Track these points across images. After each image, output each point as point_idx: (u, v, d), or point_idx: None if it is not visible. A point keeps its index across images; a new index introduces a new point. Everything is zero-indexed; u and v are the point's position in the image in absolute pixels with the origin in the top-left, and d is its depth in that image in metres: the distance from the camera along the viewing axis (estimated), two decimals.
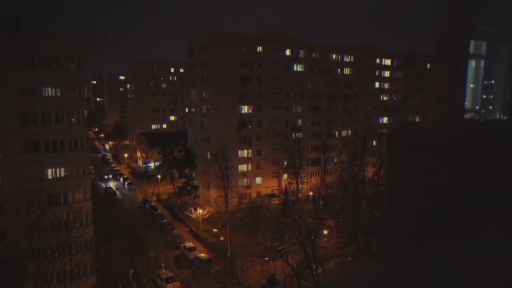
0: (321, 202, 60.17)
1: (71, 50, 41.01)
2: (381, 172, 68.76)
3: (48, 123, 39.43)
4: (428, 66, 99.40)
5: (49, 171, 40.05)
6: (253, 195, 71.62)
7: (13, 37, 37.45)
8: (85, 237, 41.28)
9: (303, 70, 77.13)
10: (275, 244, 47.52)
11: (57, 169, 40.41)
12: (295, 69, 76.27)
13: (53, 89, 39.97)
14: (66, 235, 35.44)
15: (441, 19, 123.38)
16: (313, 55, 78.57)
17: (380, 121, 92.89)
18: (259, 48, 70.79)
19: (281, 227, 42.34)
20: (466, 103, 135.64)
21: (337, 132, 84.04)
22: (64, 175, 40.76)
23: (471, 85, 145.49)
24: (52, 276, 33.50)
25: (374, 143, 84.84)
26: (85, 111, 43.51)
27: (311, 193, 69.76)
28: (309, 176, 76.40)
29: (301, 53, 76.79)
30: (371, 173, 74.97)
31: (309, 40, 78.53)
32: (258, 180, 72.96)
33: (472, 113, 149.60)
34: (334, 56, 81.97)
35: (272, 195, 71.15)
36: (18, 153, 38.28)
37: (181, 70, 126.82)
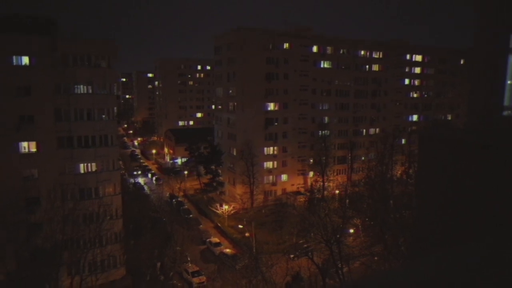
0: (347, 200, 59.40)
1: (102, 49, 42.27)
2: (410, 171, 67.06)
3: (80, 120, 40.90)
4: (462, 61, 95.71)
5: (81, 165, 41.55)
6: (279, 192, 71.51)
7: (50, 37, 39.03)
8: (115, 230, 42.60)
9: (330, 66, 76.14)
10: (300, 241, 47.33)
11: (89, 164, 41.88)
12: (322, 65, 75.40)
13: (85, 87, 41.37)
14: (97, 228, 36.69)
15: (478, 11, 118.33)
16: (341, 52, 77.37)
17: (410, 119, 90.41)
18: (286, 45, 70.40)
19: (306, 224, 42.08)
20: (504, 99, 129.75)
21: (364, 130, 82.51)
22: (95, 170, 42.20)
23: (509, 82, 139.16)
24: (84, 266, 34.78)
25: (403, 141, 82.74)
26: (115, 108, 44.75)
27: (337, 191, 68.95)
28: (335, 174, 75.49)
29: (328, 50, 75.81)
30: (399, 172, 73.24)
31: (337, 36, 77.40)
32: (284, 177, 72.76)
33: (510, 111, 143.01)
34: (362, 52, 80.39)
35: (297, 193, 70.83)
36: (53, 149, 39.94)
37: (208, 67, 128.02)
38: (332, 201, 61.60)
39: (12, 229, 32.20)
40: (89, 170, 42.00)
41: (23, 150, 38.97)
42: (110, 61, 43.15)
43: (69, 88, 40.43)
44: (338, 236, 34.92)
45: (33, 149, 39.36)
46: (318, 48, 74.40)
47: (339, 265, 34.68)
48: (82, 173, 41.55)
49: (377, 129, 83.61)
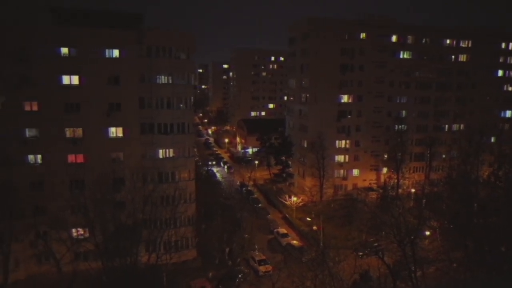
0: (424, 200, 55.73)
1: (182, 42, 44.48)
2: (500, 173, 60.60)
3: (161, 108, 43.67)
4: None
5: (160, 151, 44.48)
6: (349, 187, 69.62)
7: (137, 31, 42.11)
8: (188, 213, 45.04)
9: (410, 57, 71.37)
10: (371, 239, 45.63)
11: (167, 150, 44.69)
12: (401, 56, 70.98)
13: (166, 77, 43.97)
14: (172, 210, 39.06)
15: None
16: (423, 41, 72.02)
17: (502, 115, 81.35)
18: (362, 35, 67.47)
19: (378, 222, 40.39)
20: None
21: (446, 126, 76.26)
22: (173, 156, 44.89)
23: None
24: (160, 245, 37.36)
25: (493, 139, 74.97)
26: (192, 98, 46.88)
27: (413, 190, 65.00)
28: (411, 171, 71.17)
29: (409, 39, 71.02)
30: (486, 173, 66.60)
31: (419, 25, 72.10)
32: (355, 172, 70.56)
33: None
34: (448, 41, 73.97)
35: (369, 189, 68.24)
36: (136, 134, 43.28)
37: (281, 59, 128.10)
38: (407, 200, 58.26)
39: (101, 205, 35.66)
40: (167, 155, 44.79)
41: (111, 135, 42.81)
42: (189, 53, 45.27)
43: (152, 78, 43.31)
44: (412, 237, 32.91)
45: (120, 134, 43.03)
46: (398, 38, 70.11)
47: (412, 268, 32.73)
48: (161, 158, 44.47)
49: (462, 125, 76.83)
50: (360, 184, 70.29)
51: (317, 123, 66.14)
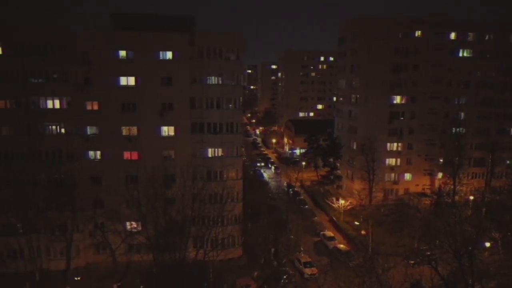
0: (484, 209, 52.09)
1: (232, 43, 45.27)
2: None
3: (210, 108, 44.77)
4: None
5: (209, 150, 45.62)
6: (400, 192, 66.91)
7: (190, 33, 43.56)
8: (235, 212, 45.71)
9: (470, 55, 67.01)
10: (423, 247, 43.42)
11: (216, 149, 45.73)
12: (460, 54, 66.88)
13: (216, 78, 44.99)
14: (220, 208, 39.89)
15: None
16: (486, 38, 67.26)
17: None
18: (417, 33, 64.49)
19: (431, 230, 38.35)
20: None
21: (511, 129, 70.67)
22: (221, 155, 45.83)
23: None
24: (207, 242, 38.28)
25: None
26: (241, 98, 47.53)
27: (471, 197, 61.00)
28: (469, 177, 66.70)
29: (470, 36, 66.71)
30: None
31: (481, 21, 67.50)
32: (407, 176, 67.66)
33: None
34: None
35: (422, 194, 65.05)
36: (187, 133, 44.73)
37: (331, 59, 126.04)
38: (464, 208, 54.73)
39: (153, 201, 37.25)
40: (216, 154, 45.81)
41: (164, 134, 44.64)
42: (238, 54, 45.94)
43: (202, 79, 44.53)
44: (470, 248, 30.88)
45: (172, 133, 44.75)
46: (457, 35, 66.15)
47: (470, 281, 30.71)
48: (210, 157, 45.58)
49: None
50: (412, 189, 67.25)
51: (368, 125, 64.25)
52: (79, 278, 40.54)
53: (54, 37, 41.15)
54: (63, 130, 42.78)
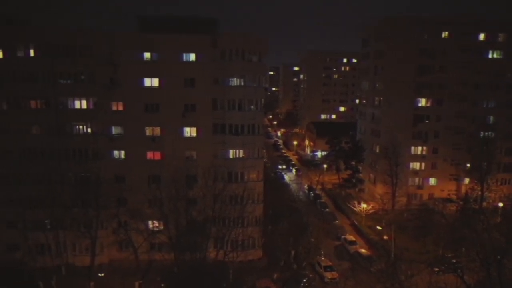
0: None
1: (254, 44, 45.35)
2: None
3: (232, 109, 44.95)
4: None
5: (231, 151, 45.79)
6: (425, 197, 65.25)
7: (213, 35, 43.92)
8: (256, 214, 45.68)
9: (500, 57, 64.75)
10: (448, 255, 42.13)
11: (237, 150, 45.86)
12: (489, 56, 64.74)
13: (238, 79, 45.15)
14: (240, 209, 39.97)
15: None
16: None
17: None
18: (444, 34, 62.85)
19: (457, 237, 37.15)
20: None
21: None
22: (242, 156, 45.91)
23: None
24: (227, 243, 38.43)
25: None
26: (263, 100, 47.58)
27: (500, 204, 58.76)
28: (499, 183, 64.37)
29: (500, 37, 64.47)
30: None
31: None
32: (432, 181, 65.95)
33: None
34: None
35: (447, 200, 63.26)
36: (209, 134, 45.08)
37: (354, 60, 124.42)
38: (493, 215, 52.72)
39: (175, 200, 37.71)
40: (237, 156, 45.94)
41: (186, 134, 45.15)
42: (260, 55, 46.00)
43: (225, 81, 44.79)
44: (499, 257, 29.73)
45: (194, 134, 45.22)
46: (486, 36, 64.04)
47: None
48: (231, 158, 45.73)
49: None
50: (437, 194, 65.52)
51: (391, 128, 63.06)
52: (102, 275, 41.47)
53: (82, 38, 42.34)
54: (89, 130, 44.00)
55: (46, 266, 41.45)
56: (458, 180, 66.10)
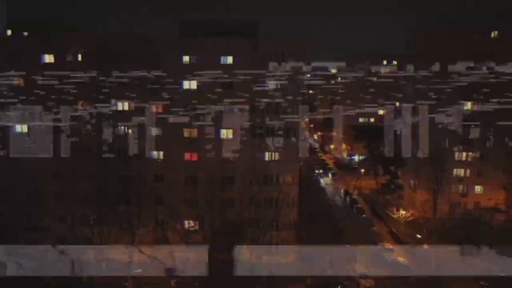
0: None
1: (293, 48, 45.17)
2: None
3: (270, 112, 44.99)
4: None
5: (267, 154, 45.81)
6: (470, 206, 61.70)
7: (252, 39, 44.32)
8: (290, 217, 45.36)
9: None
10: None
11: (273, 153, 45.77)
12: None
13: (276, 82, 45.17)
14: (275, 212, 39.84)
15: None
16: None
17: None
18: (493, 33, 59.42)
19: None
20: None
21: None
22: (278, 159, 45.78)
23: None
24: (261, 245, 38.35)
25: None
26: (300, 103, 47.27)
27: None
28: None
29: None
30: None
31: None
32: (478, 189, 62.28)
33: None
34: None
35: (496, 209, 59.49)
36: (246, 136, 45.38)
37: (394, 62, 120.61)
38: None
39: (211, 201, 38.22)
40: (273, 158, 45.91)
41: (223, 136, 45.73)
42: (300, 59, 45.70)
43: (263, 83, 44.96)
44: None
45: (230, 136, 45.70)
46: None
47: None
48: (267, 161, 45.78)
49: None
50: (485, 203, 61.64)
51: (433, 132, 60.30)
52: (140, 271, 42.79)
53: (129, 43, 44.20)
54: (130, 131, 45.67)
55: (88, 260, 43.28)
56: (509, 189, 62.04)
